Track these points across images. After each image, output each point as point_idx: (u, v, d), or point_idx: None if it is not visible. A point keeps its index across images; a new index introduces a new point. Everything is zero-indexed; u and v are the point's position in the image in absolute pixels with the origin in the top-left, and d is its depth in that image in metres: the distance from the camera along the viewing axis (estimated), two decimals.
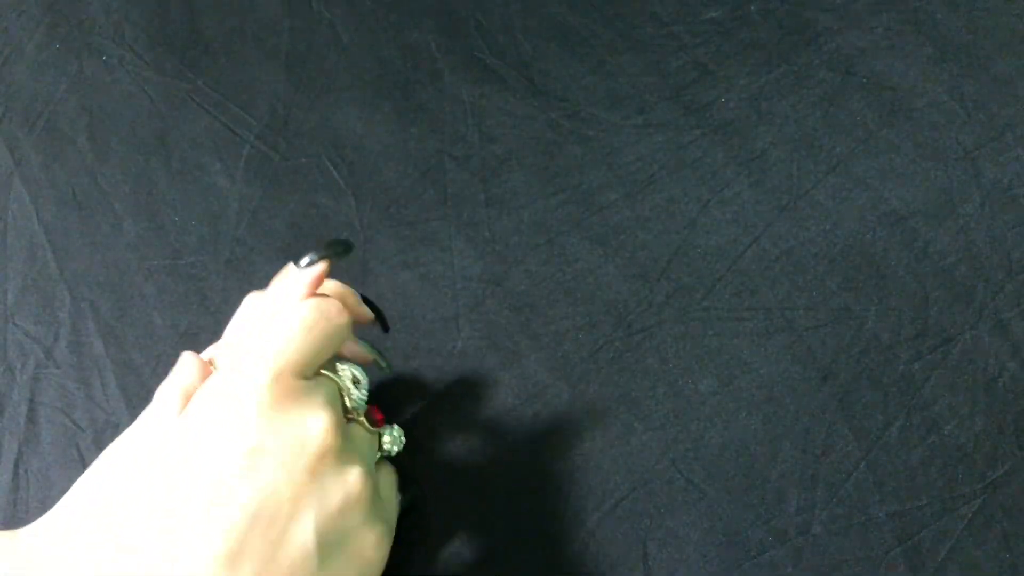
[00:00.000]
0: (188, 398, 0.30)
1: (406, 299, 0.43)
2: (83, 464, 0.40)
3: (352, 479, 0.30)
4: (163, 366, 0.42)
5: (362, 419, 0.33)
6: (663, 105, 0.48)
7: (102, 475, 0.29)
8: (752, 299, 0.43)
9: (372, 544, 0.30)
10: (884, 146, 0.46)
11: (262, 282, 0.44)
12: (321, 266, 0.32)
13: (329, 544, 0.28)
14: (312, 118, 0.49)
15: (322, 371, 0.32)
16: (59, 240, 0.46)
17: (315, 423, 0.29)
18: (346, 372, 0.34)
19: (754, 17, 0.50)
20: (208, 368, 0.31)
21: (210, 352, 0.34)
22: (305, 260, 0.32)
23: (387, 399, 0.41)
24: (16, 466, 0.40)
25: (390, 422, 0.35)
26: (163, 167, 0.47)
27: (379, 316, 0.38)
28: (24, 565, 0.26)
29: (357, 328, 0.37)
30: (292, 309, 0.31)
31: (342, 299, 0.34)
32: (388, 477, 0.35)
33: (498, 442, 0.40)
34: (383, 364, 0.39)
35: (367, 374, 0.35)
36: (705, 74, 0.49)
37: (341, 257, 0.32)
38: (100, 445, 0.40)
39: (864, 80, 0.48)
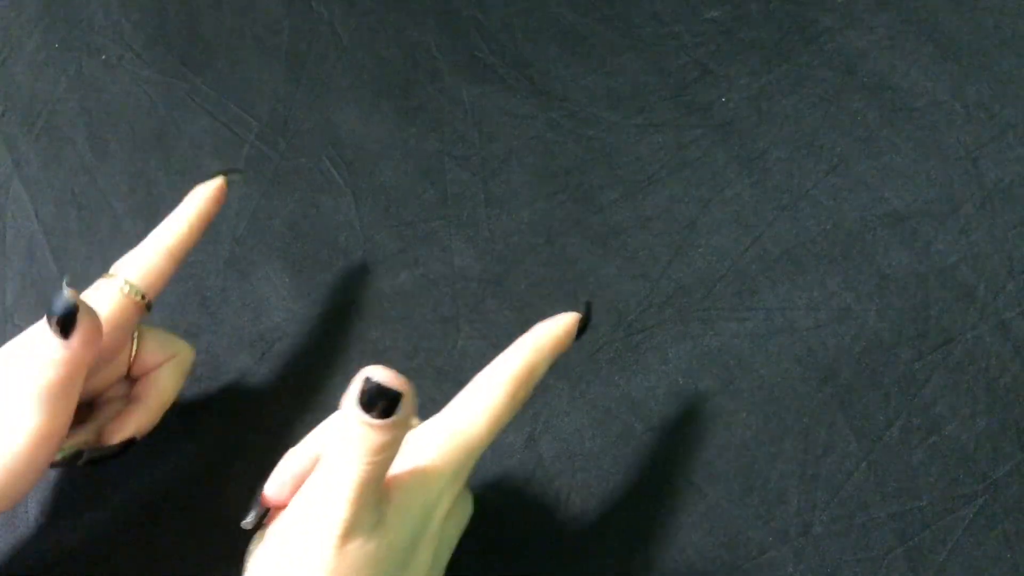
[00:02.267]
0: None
1: (406, 299, 0.43)
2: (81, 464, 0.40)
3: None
4: None
5: None
6: (663, 105, 0.48)
7: None
8: (753, 299, 0.42)
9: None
10: (885, 146, 0.46)
11: (262, 282, 0.44)
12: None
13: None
14: (312, 118, 0.49)
15: None
16: (58, 240, 0.46)
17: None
18: None
19: (755, 17, 0.50)
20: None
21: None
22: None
23: None
24: None
25: None
26: (162, 167, 0.47)
27: None
28: None
29: None
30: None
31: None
32: None
33: (498, 442, 0.40)
34: None
35: None
36: (706, 74, 0.49)
37: None
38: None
39: (865, 80, 0.48)
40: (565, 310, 0.43)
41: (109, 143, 0.48)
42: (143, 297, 0.35)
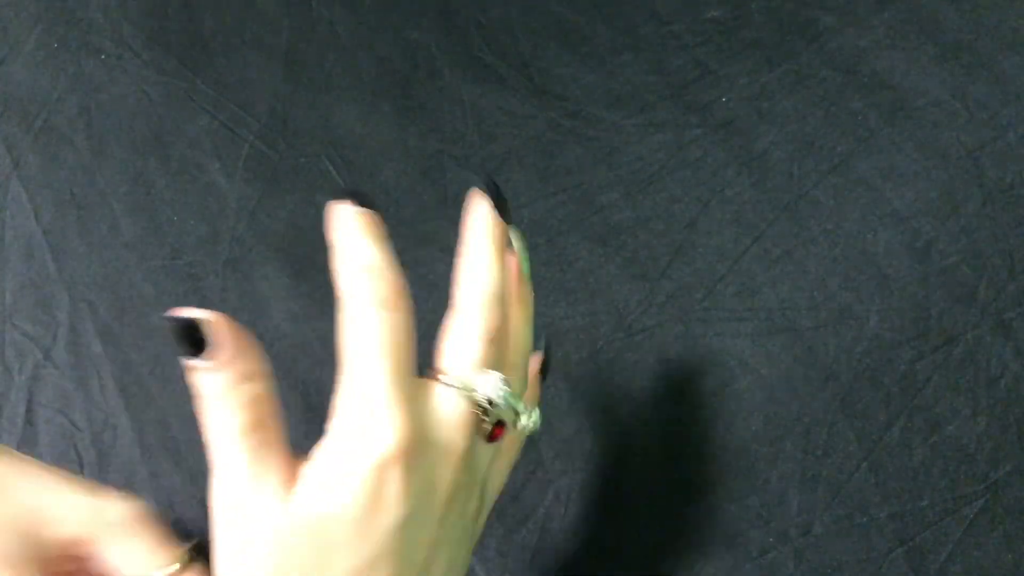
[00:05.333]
0: None
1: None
2: (81, 464, 0.40)
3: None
4: (161, 366, 0.42)
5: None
6: (664, 104, 0.48)
7: None
8: (753, 299, 0.42)
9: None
10: (886, 145, 0.46)
11: (262, 282, 0.44)
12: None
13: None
14: (312, 118, 0.49)
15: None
16: (57, 240, 0.46)
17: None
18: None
19: (755, 16, 0.50)
20: None
21: None
22: None
23: None
24: None
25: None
26: (161, 166, 0.47)
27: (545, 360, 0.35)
28: None
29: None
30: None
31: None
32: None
33: None
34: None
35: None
36: (706, 73, 0.49)
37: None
38: (98, 445, 0.40)
39: (865, 79, 0.48)
40: (565, 310, 0.43)
41: (108, 143, 0.48)
42: None
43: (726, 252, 0.44)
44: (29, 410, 0.41)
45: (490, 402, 0.28)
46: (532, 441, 0.40)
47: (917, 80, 0.48)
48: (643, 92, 0.48)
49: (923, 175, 0.45)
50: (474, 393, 0.28)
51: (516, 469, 0.39)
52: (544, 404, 0.41)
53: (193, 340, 0.25)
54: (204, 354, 0.25)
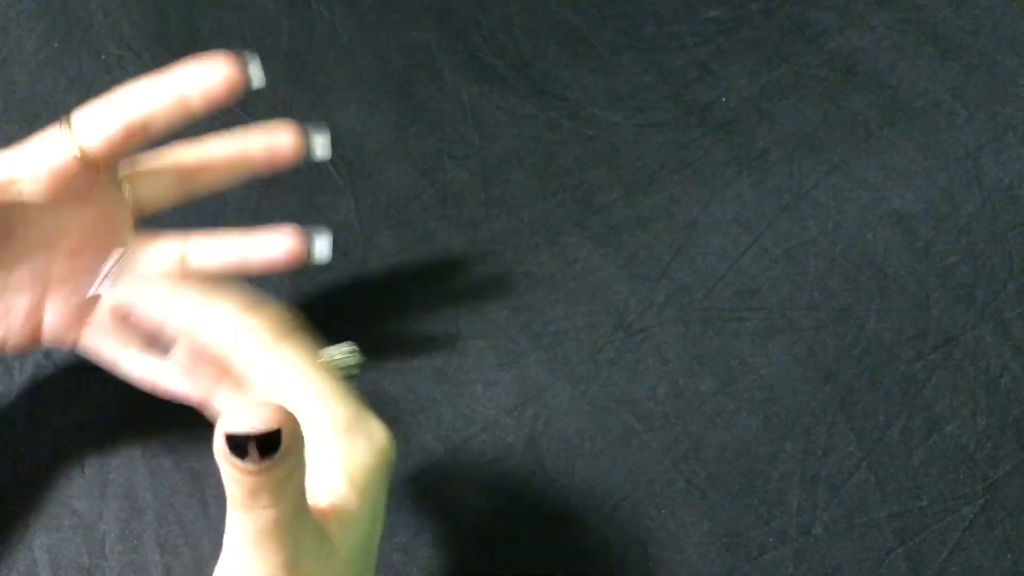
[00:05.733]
0: None
1: (406, 299, 0.43)
2: (81, 465, 0.40)
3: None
4: None
5: None
6: (664, 105, 0.48)
7: None
8: (753, 299, 0.42)
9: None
10: (885, 146, 0.46)
11: (261, 282, 0.44)
12: None
13: None
14: (312, 118, 0.49)
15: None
16: None
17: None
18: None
19: (755, 16, 0.50)
20: None
21: None
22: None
23: (385, 399, 0.41)
24: (14, 466, 0.40)
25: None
26: None
27: None
28: None
29: None
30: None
31: None
32: None
33: (498, 442, 0.40)
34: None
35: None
36: (706, 73, 0.49)
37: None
38: (99, 446, 0.40)
39: (865, 79, 0.48)
40: (565, 310, 0.43)
41: None
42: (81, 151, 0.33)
43: (726, 252, 0.44)
44: (29, 410, 0.41)
45: None
46: (532, 441, 0.40)
47: (916, 80, 0.48)
48: (643, 92, 0.48)
49: (923, 175, 0.45)
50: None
51: (516, 470, 0.39)
52: (544, 405, 0.41)
53: (257, 446, 0.22)
54: (272, 456, 0.22)
